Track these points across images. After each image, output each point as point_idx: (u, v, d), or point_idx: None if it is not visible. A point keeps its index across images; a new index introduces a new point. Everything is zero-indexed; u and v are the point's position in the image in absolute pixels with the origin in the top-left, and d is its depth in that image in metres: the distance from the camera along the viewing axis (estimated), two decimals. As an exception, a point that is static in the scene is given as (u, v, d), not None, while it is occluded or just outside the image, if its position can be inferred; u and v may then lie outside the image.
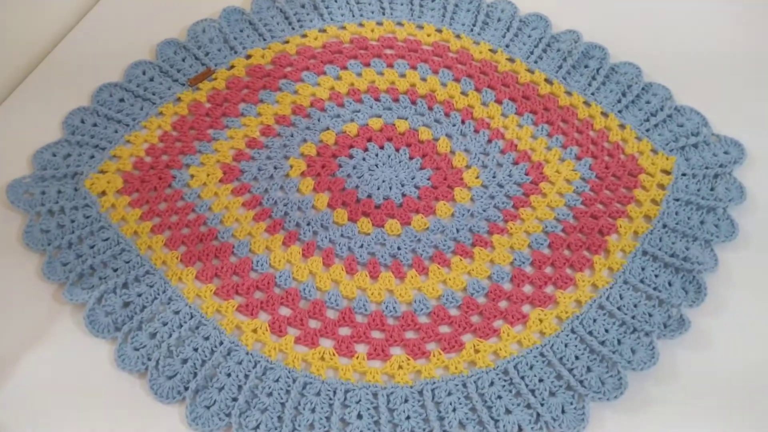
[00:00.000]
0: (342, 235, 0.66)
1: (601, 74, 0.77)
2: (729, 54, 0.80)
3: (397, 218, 0.67)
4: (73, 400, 0.56)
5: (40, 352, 0.58)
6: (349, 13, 0.84)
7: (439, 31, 0.82)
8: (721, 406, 0.56)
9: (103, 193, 0.67)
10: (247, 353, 0.58)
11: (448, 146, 0.73)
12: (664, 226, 0.66)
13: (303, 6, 0.84)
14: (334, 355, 0.58)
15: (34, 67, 0.79)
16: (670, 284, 0.62)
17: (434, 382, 0.57)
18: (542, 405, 0.55)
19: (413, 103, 0.76)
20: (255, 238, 0.66)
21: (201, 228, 0.66)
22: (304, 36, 0.82)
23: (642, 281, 0.62)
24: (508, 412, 0.55)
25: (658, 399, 0.56)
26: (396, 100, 0.76)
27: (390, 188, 0.70)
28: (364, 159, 0.72)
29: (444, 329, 0.60)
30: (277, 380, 0.57)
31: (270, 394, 0.56)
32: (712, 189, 0.68)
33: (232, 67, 0.78)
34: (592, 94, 0.76)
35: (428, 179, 0.70)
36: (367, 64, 0.79)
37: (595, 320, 0.60)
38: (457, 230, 0.66)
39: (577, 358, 0.58)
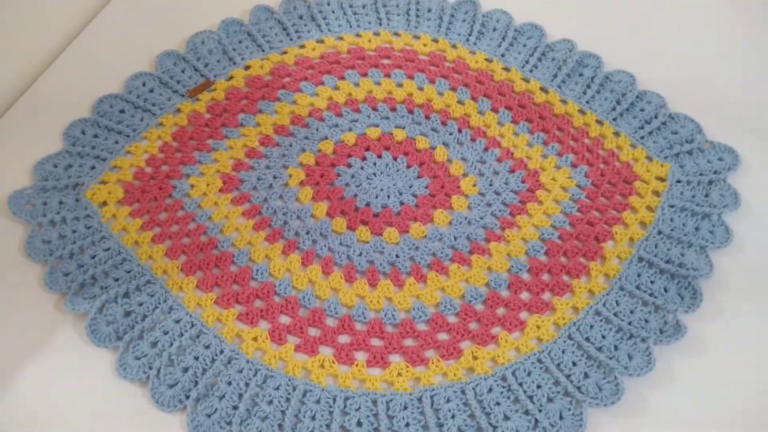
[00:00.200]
0: (341, 244, 0.66)
1: (595, 83, 0.78)
2: (722, 61, 0.81)
3: (396, 226, 0.68)
4: (75, 409, 0.56)
5: (42, 361, 0.58)
6: (346, 24, 0.85)
7: (436, 41, 0.83)
8: (718, 412, 0.56)
9: (104, 203, 0.68)
10: (248, 361, 0.59)
11: (445, 155, 0.73)
12: (660, 232, 0.66)
13: (301, 17, 0.85)
14: (333, 362, 0.59)
15: (35, 78, 0.79)
16: (665, 290, 0.62)
17: (433, 389, 0.57)
18: (540, 411, 0.55)
19: (410, 112, 0.77)
20: (255, 247, 0.66)
21: (201, 237, 0.66)
22: (302, 47, 0.82)
23: (638, 287, 0.63)
24: (506, 418, 0.55)
25: (655, 404, 0.57)
26: (393, 109, 0.77)
27: (388, 197, 0.70)
28: (362, 168, 0.72)
29: (442, 336, 0.61)
30: (277, 388, 0.57)
31: (270, 402, 0.56)
32: (706, 195, 0.69)
33: (231, 78, 0.79)
34: (587, 102, 0.77)
35: (426, 188, 0.71)
36: (365, 74, 0.80)
37: (591, 326, 0.60)
38: (455, 238, 0.67)
39: (574, 364, 0.58)
